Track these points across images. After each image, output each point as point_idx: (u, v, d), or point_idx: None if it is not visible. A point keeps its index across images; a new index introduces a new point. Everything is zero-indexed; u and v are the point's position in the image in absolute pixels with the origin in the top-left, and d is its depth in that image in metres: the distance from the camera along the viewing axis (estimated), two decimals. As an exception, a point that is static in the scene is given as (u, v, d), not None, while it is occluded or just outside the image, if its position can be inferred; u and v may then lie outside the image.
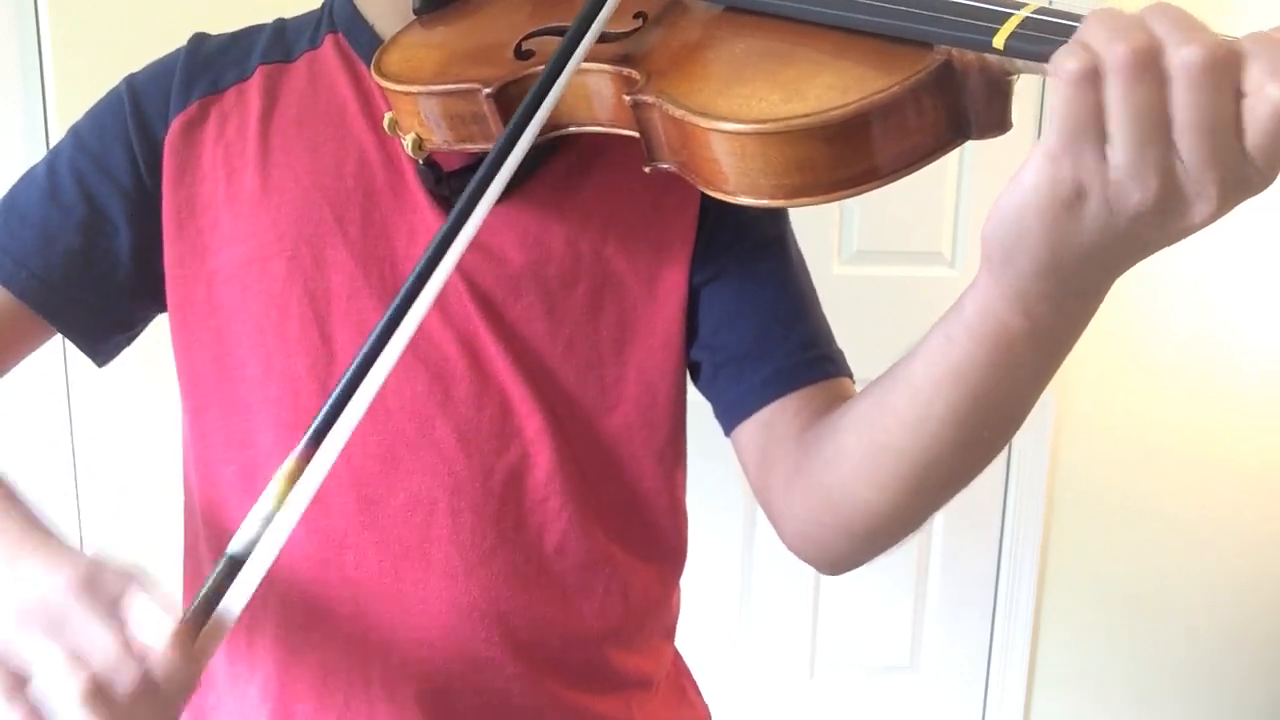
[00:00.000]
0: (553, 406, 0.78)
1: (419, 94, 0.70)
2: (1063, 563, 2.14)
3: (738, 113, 0.57)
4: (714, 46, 0.63)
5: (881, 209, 1.93)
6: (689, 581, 0.91)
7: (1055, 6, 0.52)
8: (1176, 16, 0.45)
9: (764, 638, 2.14)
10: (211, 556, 0.81)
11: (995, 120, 0.56)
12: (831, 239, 1.96)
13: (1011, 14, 0.51)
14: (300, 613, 0.78)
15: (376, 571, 0.76)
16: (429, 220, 0.76)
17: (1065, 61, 0.45)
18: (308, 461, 0.56)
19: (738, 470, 0.80)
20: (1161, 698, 2.24)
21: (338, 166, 0.77)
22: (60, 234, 0.76)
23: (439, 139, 0.72)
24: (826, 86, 0.55)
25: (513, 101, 0.67)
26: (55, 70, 1.66)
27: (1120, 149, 0.46)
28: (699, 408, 0.83)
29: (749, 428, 0.78)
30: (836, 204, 0.57)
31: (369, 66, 0.74)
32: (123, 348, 0.83)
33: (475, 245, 0.61)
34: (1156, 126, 0.45)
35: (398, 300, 0.58)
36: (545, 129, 0.62)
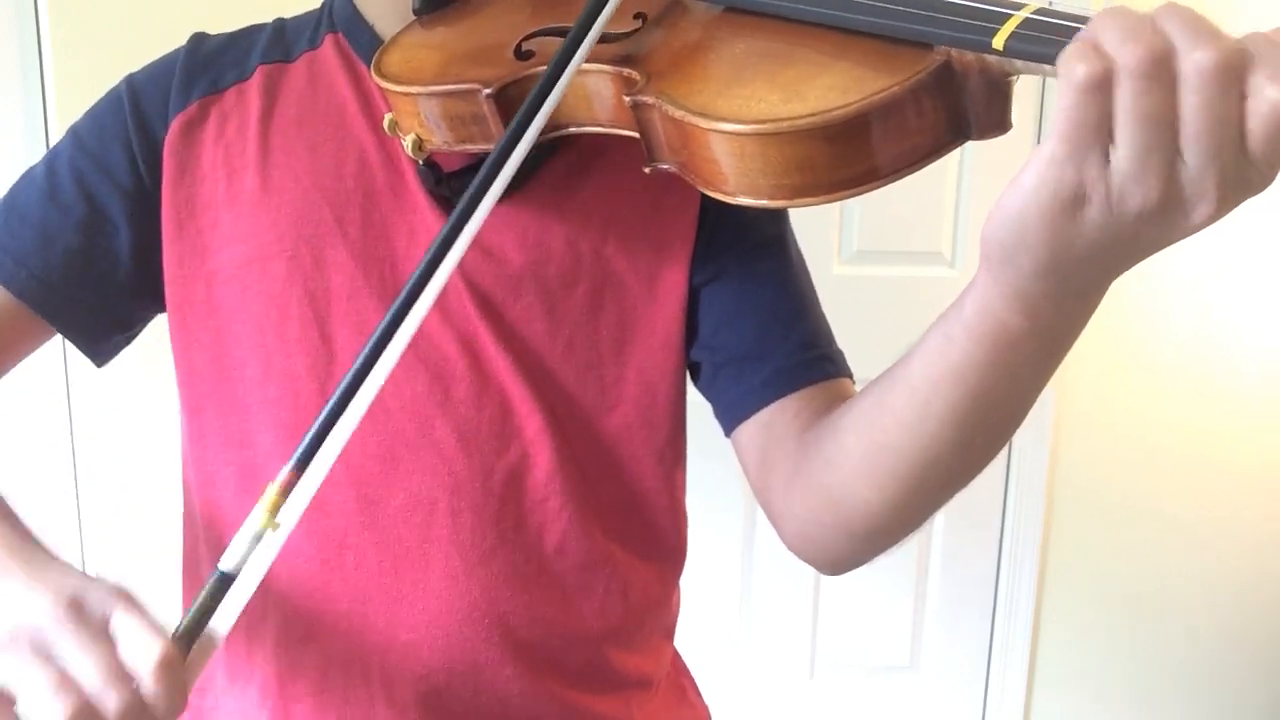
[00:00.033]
0: (552, 406, 0.78)
1: (419, 95, 0.70)
2: (1063, 563, 2.14)
3: (737, 113, 0.57)
4: (714, 47, 0.63)
5: (881, 209, 1.93)
6: (689, 581, 0.91)
7: (1055, 7, 0.52)
8: (1188, 18, 0.45)
9: (764, 638, 2.14)
10: (210, 557, 0.81)
11: (995, 121, 0.56)
12: (831, 239, 1.96)
13: (1011, 14, 0.51)
14: (300, 613, 0.78)
15: (376, 571, 0.76)
16: (429, 221, 0.76)
17: (1075, 65, 0.45)
18: (301, 473, 0.56)
19: (738, 470, 0.80)
20: (1161, 698, 2.24)
21: (338, 167, 0.77)
22: (60, 234, 0.76)
23: (439, 140, 0.72)
24: (826, 87, 0.55)
25: (513, 102, 0.67)
26: (55, 70, 1.66)
27: (1125, 152, 0.46)
28: (699, 408, 0.83)
29: (749, 428, 0.78)
30: (836, 204, 0.57)
31: (369, 67, 0.74)
32: (122, 348, 0.83)
33: (475, 245, 0.61)
34: (1164, 131, 0.45)
35: (399, 301, 0.58)
36: (545, 129, 0.62)
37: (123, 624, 0.54)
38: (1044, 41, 0.50)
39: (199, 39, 0.82)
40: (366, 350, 0.58)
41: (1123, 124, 0.45)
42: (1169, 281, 2.00)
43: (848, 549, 0.73)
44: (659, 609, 0.88)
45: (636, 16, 0.67)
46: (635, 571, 0.83)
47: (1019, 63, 0.52)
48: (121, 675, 0.52)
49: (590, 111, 0.67)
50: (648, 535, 0.84)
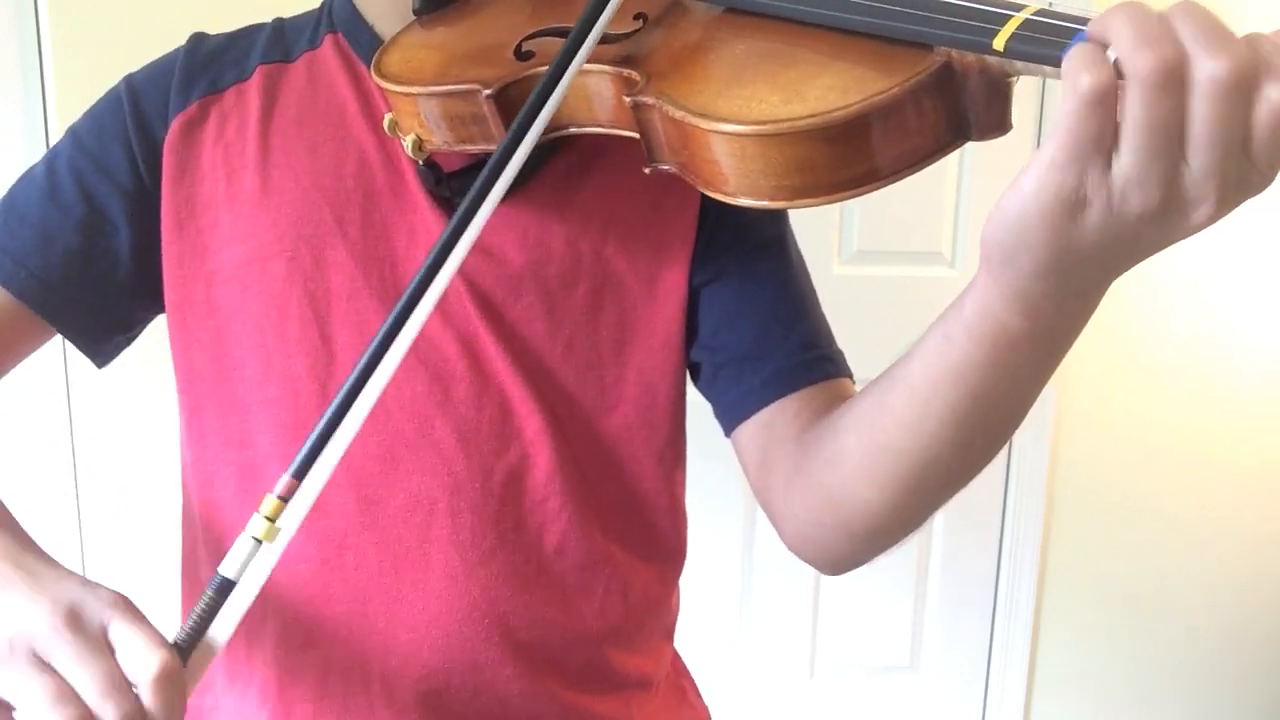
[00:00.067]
0: (552, 407, 0.78)
1: (419, 95, 0.70)
2: (1063, 563, 2.14)
3: (738, 114, 0.57)
4: (714, 48, 0.63)
5: (881, 209, 1.93)
6: (689, 581, 0.91)
7: (1056, 8, 0.52)
8: (1203, 21, 0.45)
9: (764, 638, 2.14)
10: (209, 558, 0.81)
11: (995, 121, 0.56)
12: (831, 239, 1.96)
13: (1012, 15, 0.51)
14: (300, 614, 0.78)
15: (376, 572, 0.76)
16: (429, 221, 0.76)
17: (1080, 74, 0.45)
18: (301, 479, 0.56)
19: (738, 470, 0.80)
20: (1161, 698, 2.24)
21: (337, 167, 0.77)
22: (59, 234, 0.76)
23: (439, 140, 0.72)
24: (827, 88, 0.55)
25: (513, 102, 0.67)
26: (55, 70, 1.66)
27: (1129, 159, 0.46)
28: (699, 408, 0.83)
29: (749, 428, 0.78)
30: (836, 204, 0.57)
31: (369, 67, 0.74)
32: (122, 348, 0.83)
33: (475, 246, 0.61)
34: (1171, 138, 0.45)
35: (400, 304, 0.58)
36: (546, 130, 0.62)
37: (122, 633, 0.54)
38: (1045, 43, 0.49)
39: (198, 39, 0.82)
40: (367, 355, 0.58)
41: (1129, 132, 0.45)
42: (1169, 281, 2.00)
43: (848, 549, 0.73)
44: (659, 609, 0.88)
45: (637, 17, 0.67)
46: (635, 572, 0.83)
47: (1019, 64, 0.52)
48: (121, 685, 0.52)
49: (590, 112, 0.67)
50: (647, 536, 0.84)
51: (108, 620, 0.54)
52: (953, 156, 0.59)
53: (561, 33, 0.67)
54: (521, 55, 0.68)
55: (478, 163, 0.75)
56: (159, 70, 0.81)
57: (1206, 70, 0.44)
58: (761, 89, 0.57)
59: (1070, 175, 0.46)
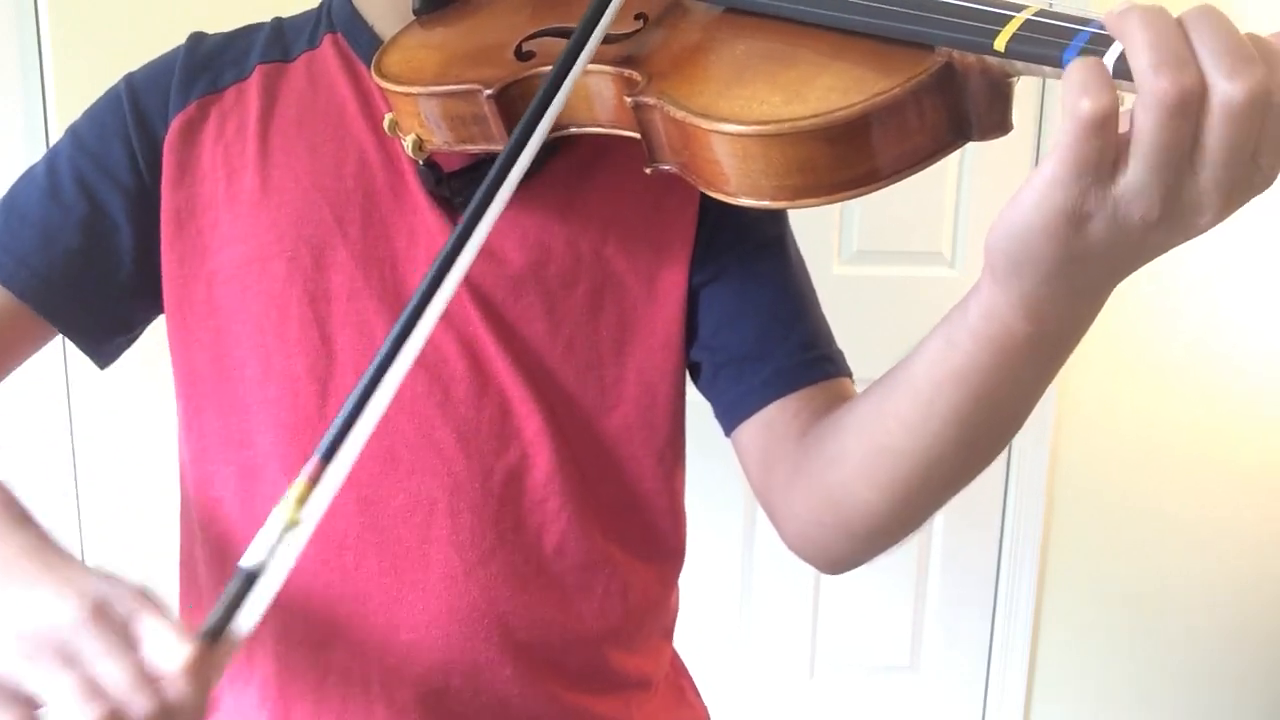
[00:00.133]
0: (552, 407, 0.78)
1: (419, 95, 0.70)
2: (1063, 563, 2.14)
3: (739, 114, 0.57)
4: (715, 48, 0.63)
5: (881, 209, 1.93)
6: (689, 581, 0.91)
7: (1056, 8, 0.52)
8: (1222, 35, 0.44)
9: (764, 638, 2.14)
10: (207, 558, 0.81)
11: (996, 122, 0.56)
12: (831, 239, 1.96)
13: (1013, 16, 0.51)
14: (299, 614, 0.78)
15: (376, 572, 0.76)
16: (429, 221, 0.76)
17: (1080, 100, 0.44)
18: (320, 475, 0.56)
19: (738, 470, 0.80)
20: (1161, 698, 2.24)
21: (337, 167, 0.77)
22: (61, 233, 0.76)
23: (439, 140, 0.71)
24: (828, 88, 0.55)
25: (513, 102, 0.67)
26: (55, 70, 1.66)
27: (1135, 174, 0.45)
28: (699, 408, 0.83)
29: (749, 428, 0.78)
30: (837, 204, 0.57)
31: (368, 67, 0.74)
32: (124, 349, 0.83)
33: None
34: (1183, 155, 0.45)
35: (407, 311, 0.58)
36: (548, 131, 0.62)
37: (147, 626, 0.53)
38: (1046, 44, 0.50)
39: (197, 38, 0.82)
40: (379, 359, 0.58)
41: (1138, 150, 0.45)
42: (1172, 282, 2.00)
43: (848, 548, 0.73)
44: (658, 609, 0.88)
45: (637, 17, 0.67)
46: (635, 572, 0.83)
47: (1020, 64, 0.52)
48: (148, 679, 0.51)
49: (591, 112, 0.67)
50: (647, 536, 0.84)
51: (132, 614, 0.54)
52: (953, 157, 0.59)
53: (562, 33, 0.67)
54: (522, 55, 0.68)
55: (478, 162, 0.75)
56: (159, 69, 0.81)
57: (1225, 95, 0.43)
58: (762, 89, 0.57)
59: (1072, 191, 0.46)
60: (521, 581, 0.78)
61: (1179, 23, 0.45)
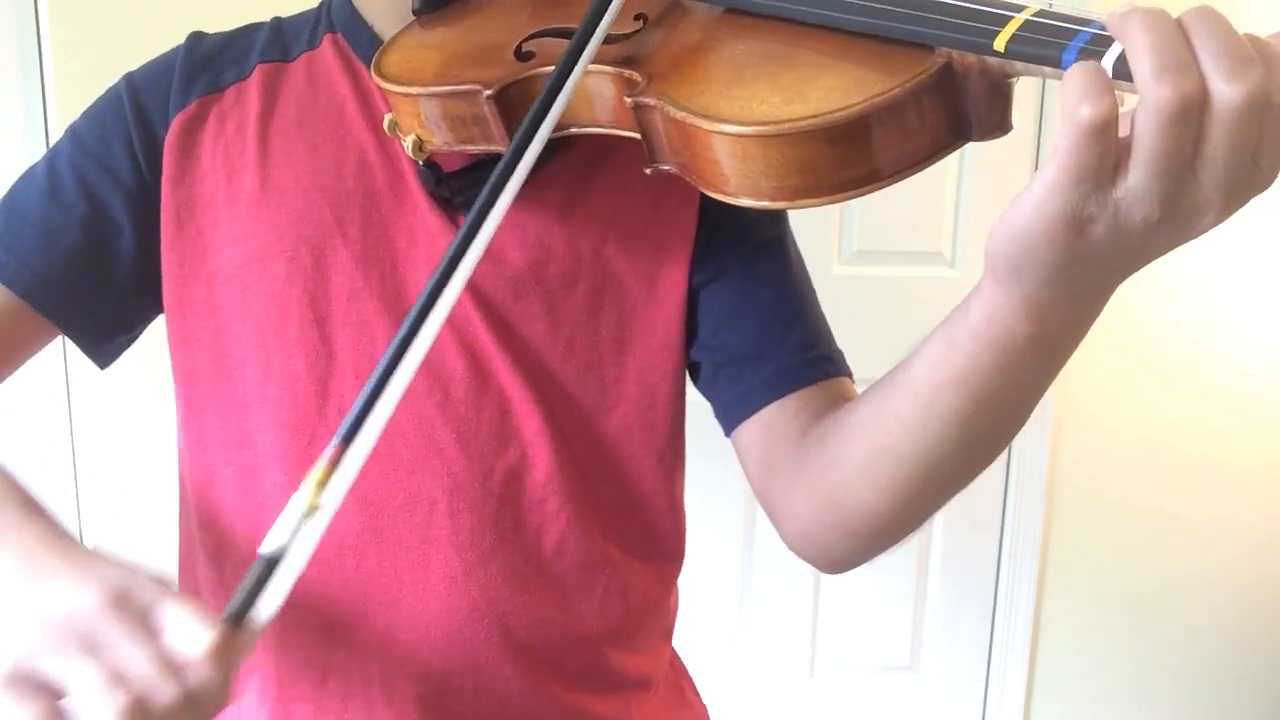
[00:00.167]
0: (552, 407, 0.78)
1: (419, 95, 0.70)
2: (1063, 563, 2.14)
3: (739, 115, 0.57)
4: (714, 48, 0.63)
5: (881, 209, 1.93)
6: (689, 581, 0.91)
7: (1056, 9, 0.52)
8: (1221, 38, 0.44)
9: (764, 638, 2.14)
10: (207, 558, 0.81)
11: (996, 122, 0.56)
12: (831, 239, 1.96)
13: (1012, 17, 0.51)
14: (299, 614, 0.78)
15: (375, 572, 0.76)
16: (429, 222, 0.76)
17: (1080, 105, 0.44)
18: (340, 458, 0.56)
19: (738, 470, 0.80)
20: (1161, 698, 2.24)
21: (337, 167, 0.77)
22: (62, 233, 0.76)
23: (439, 140, 0.71)
24: (828, 89, 0.55)
25: (513, 103, 0.67)
26: (55, 70, 1.66)
27: (1136, 178, 0.45)
28: (699, 408, 0.83)
29: (749, 428, 0.78)
30: (837, 204, 0.57)
31: (368, 67, 0.74)
32: (124, 349, 0.83)
33: None
34: (1184, 160, 0.45)
35: (412, 316, 0.58)
36: None
37: (169, 615, 0.53)
38: (1045, 44, 0.50)
39: (197, 38, 0.82)
40: (386, 359, 0.58)
41: (1139, 155, 0.45)
42: (1167, 283, 2.00)
43: (848, 548, 0.73)
44: (658, 610, 0.88)
45: (637, 18, 0.67)
46: (634, 572, 0.83)
47: (1020, 65, 0.52)
48: (171, 666, 0.51)
49: (591, 113, 0.67)
50: (647, 536, 0.84)
51: (153, 601, 0.54)
52: (953, 157, 0.59)
53: (562, 33, 0.67)
54: (522, 56, 0.68)
55: (478, 163, 0.75)
56: (159, 69, 0.81)
57: (1225, 97, 0.43)
58: (763, 90, 0.57)
59: (1072, 196, 0.46)
60: (521, 581, 0.78)
61: (1179, 24, 0.45)
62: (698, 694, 0.96)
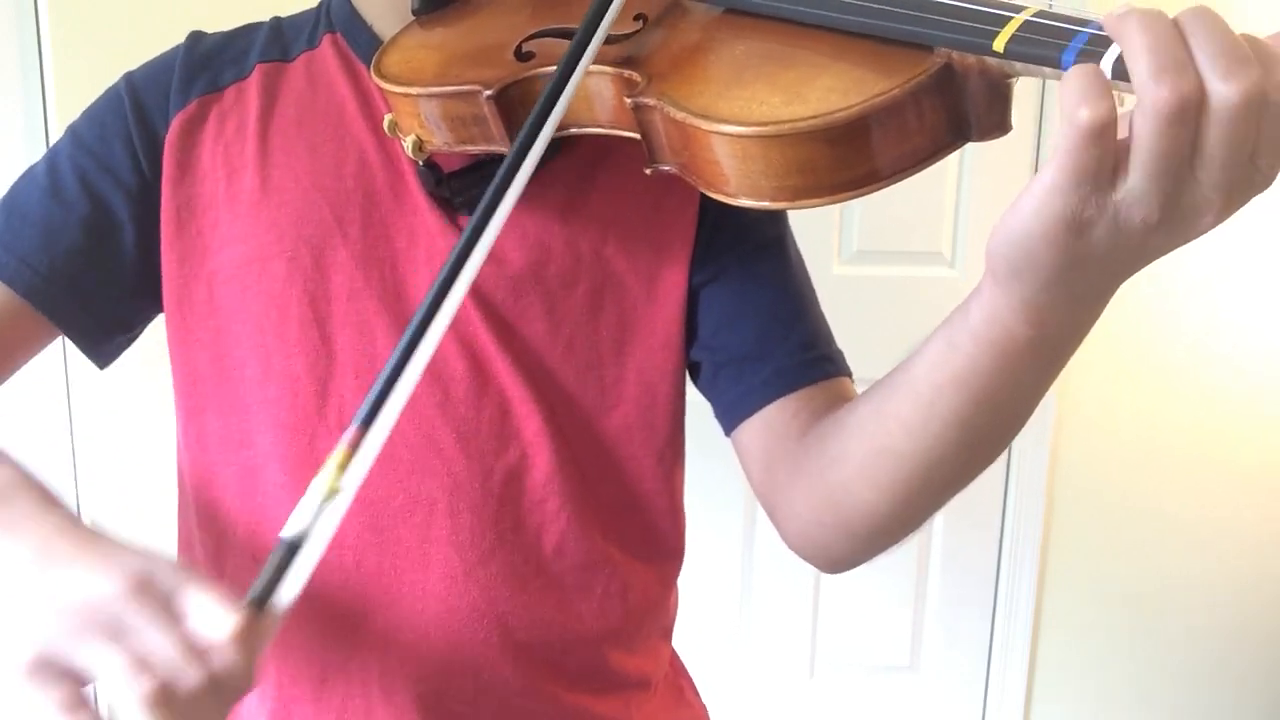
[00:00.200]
0: (552, 407, 0.78)
1: (419, 96, 0.70)
2: (1063, 563, 2.14)
3: (739, 115, 0.57)
4: (714, 49, 0.63)
5: (881, 209, 1.93)
6: (689, 581, 0.91)
7: (1055, 9, 0.52)
8: (1217, 37, 0.44)
9: (764, 638, 2.14)
10: (206, 558, 0.81)
11: (995, 122, 0.56)
12: (831, 239, 1.96)
13: (1012, 17, 0.51)
14: (299, 613, 0.78)
15: (375, 572, 0.76)
16: (429, 222, 0.76)
17: (1079, 108, 0.44)
18: (360, 441, 0.56)
19: (738, 470, 0.80)
20: (1161, 698, 2.24)
21: (337, 167, 0.77)
22: (62, 232, 0.76)
23: (439, 140, 0.71)
24: (827, 89, 0.55)
25: (513, 103, 0.67)
26: (55, 70, 1.66)
27: (1136, 180, 0.46)
28: (699, 408, 0.83)
29: (749, 428, 0.78)
30: (837, 205, 0.57)
31: (368, 67, 0.74)
32: (124, 349, 0.83)
33: None
34: (1182, 161, 0.45)
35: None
36: None
37: (192, 600, 0.53)
38: (1045, 45, 0.50)
39: (196, 37, 0.82)
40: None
41: (1138, 157, 0.45)
42: (1167, 283, 2.00)
43: (848, 548, 0.73)
44: (657, 609, 0.88)
45: (637, 18, 0.67)
46: (634, 572, 0.83)
47: (1019, 65, 0.52)
48: (196, 650, 0.51)
49: (591, 113, 0.67)
50: (647, 536, 0.84)
51: (176, 586, 0.54)
52: (953, 157, 0.59)
53: (562, 33, 0.67)
54: (522, 56, 0.68)
55: (478, 163, 0.75)
56: (159, 68, 0.81)
57: (1222, 96, 0.43)
58: (762, 90, 0.57)
59: (1071, 199, 0.46)
60: (521, 582, 0.78)
61: (1175, 24, 0.45)
62: (697, 693, 0.96)
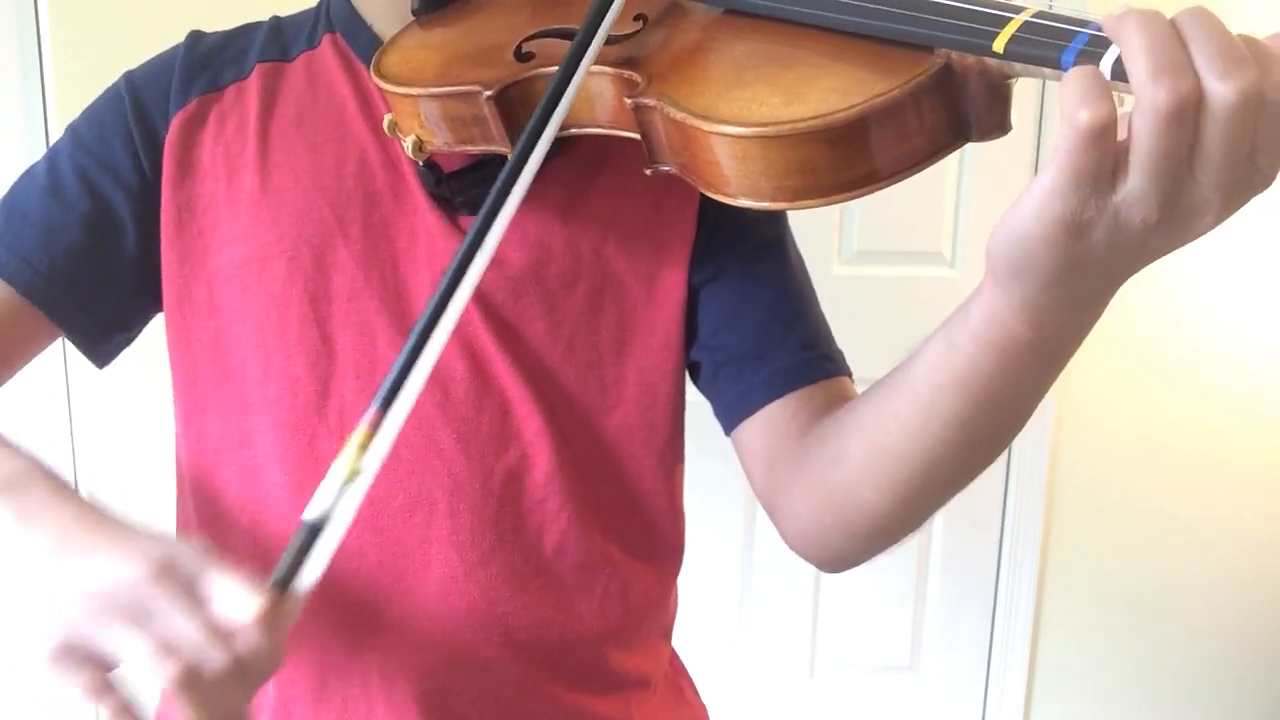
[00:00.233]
0: (552, 407, 0.78)
1: (419, 96, 0.70)
2: (1063, 563, 2.14)
3: (739, 116, 0.57)
4: (714, 49, 0.63)
5: (881, 209, 1.93)
6: (689, 581, 0.91)
7: (1055, 10, 0.52)
8: (1214, 37, 0.44)
9: (764, 638, 2.14)
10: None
11: (995, 122, 0.56)
12: (831, 239, 1.96)
13: (1011, 18, 0.51)
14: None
15: (376, 572, 0.76)
16: (429, 222, 0.76)
17: (1079, 109, 0.44)
18: (380, 422, 0.56)
19: (738, 470, 0.80)
20: (1161, 698, 2.24)
21: (338, 167, 0.77)
22: (63, 230, 0.76)
23: (439, 141, 0.72)
24: (827, 90, 0.55)
25: (514, 103, 0.67)
26: (55, 70, 1.66)
27: (1135, 181, 0.46)
28: (699, 408, 0.83)
29: (749, 427, 0.78)
30: (837, 205, 0.57)
31: (368, 67, 0.74)
32: (122, 348, 0.83)
33: None
34: (1181, 161, 0.45)
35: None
36: None
37: (215, 583, 0.53)
38: (1044, 45, 0.50)
39: (196, 36, 0.82)
40: (444, 283, 0.59)
41: (1137, 158, 0.45)
42: (1167, 284, 2.00)
43: (848, 548, 0.73)
44: (657, 609, 0.88)
45: (637, 18, 0.67)
46: (634, 572, 0.83)
47: (1019, 66, 0.52)
48: (221, 635, 0.51)
49: (591, 113, 0.67)
50: (647, 536, 0.84)
51: (198, 570, 0.54)
52: (953, 157, 0.59)
53: (562, 33, 0.67)
54: (522, 56, 0.68)
55: (478, 163, 0.75)
56: (158, 67, 0.81)
57: (1220, 96, 0.43)
58: (762, 91, 0.57)
59: (1071, 201, 0.47)
60: (521, 582, 0.78)
61: (1173, 25, 0.45)
62: (696, 693, 0.96)
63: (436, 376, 0.75)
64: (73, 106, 0.81)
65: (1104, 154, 0.45)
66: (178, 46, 0.81)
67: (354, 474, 0.55)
